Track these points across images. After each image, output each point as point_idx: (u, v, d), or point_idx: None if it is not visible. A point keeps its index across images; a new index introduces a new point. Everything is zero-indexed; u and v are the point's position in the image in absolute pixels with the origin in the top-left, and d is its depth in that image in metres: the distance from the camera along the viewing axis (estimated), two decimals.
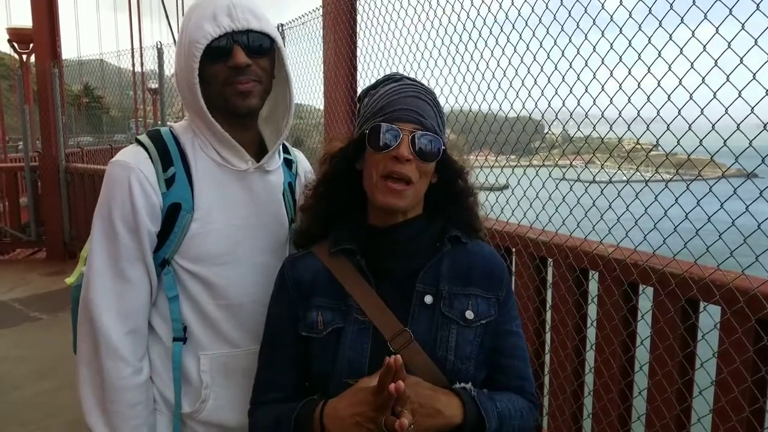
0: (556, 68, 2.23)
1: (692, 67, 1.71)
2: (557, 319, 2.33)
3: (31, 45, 12.77)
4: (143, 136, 1.33)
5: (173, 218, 1.27)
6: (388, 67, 3.43)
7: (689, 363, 1.89)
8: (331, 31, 4.06)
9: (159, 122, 6.96)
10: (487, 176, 2.77)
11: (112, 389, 1.25)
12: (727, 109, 1.62)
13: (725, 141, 1.68)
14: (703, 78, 1.67)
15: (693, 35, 1.74)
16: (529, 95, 2.40)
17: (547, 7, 2.25)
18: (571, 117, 2.31)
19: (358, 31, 3.89)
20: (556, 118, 2.34)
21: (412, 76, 1.23)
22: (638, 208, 2.03)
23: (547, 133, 2.79)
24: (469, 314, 1.15)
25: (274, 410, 1.16)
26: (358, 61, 3.96)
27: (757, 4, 1.56)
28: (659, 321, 1.94)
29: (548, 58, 2.27)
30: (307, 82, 4.59)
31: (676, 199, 1.91)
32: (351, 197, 1.20)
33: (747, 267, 1.73)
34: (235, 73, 1.24)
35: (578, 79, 2.15)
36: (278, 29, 3.81)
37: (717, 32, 1.64)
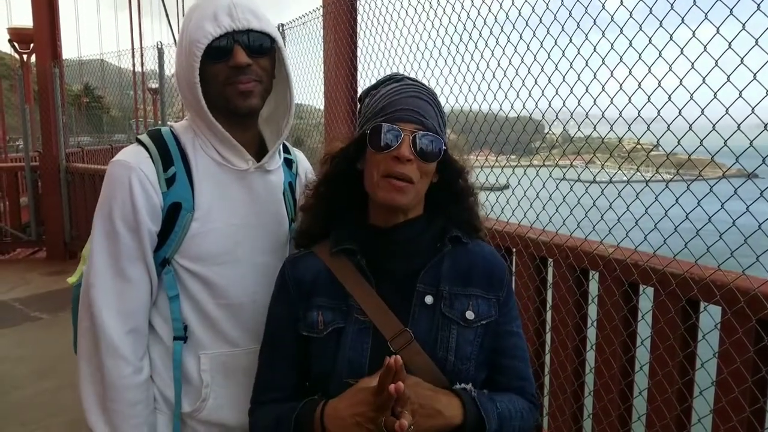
0: (556, 68, 2.23)
1: (693, 67, 1.70)
2: (557, 320, 2.33)
3: (32, 45, 12.80)
4: (144, 135, 1.33)
5: (174, 218, 1.27)
6: (388, 67, 3.43)
7: (690, 363, 1.89)
8: (331, 31, 4.05)
9: (159, 122, 6.96)
10: (487, 176, 2.76)
11: (113, 388, 1.25)
12: (727, 109, 1.62)
13: (726, 141, 1.67)
14: (704, 78, 1.67)
15: (693, 35, 1.73)
16: (530, 95, 2.40)
17: (547, 7, 2.25)
18: (571, 117, 2.31)
19: (358, 31, 3.89)
20: (557, 118, 2.34)
21: (412, 76, 1.23)
22: (639, 208, 2.03)
23: (547, 133, 2.79)
24: (470, 314, 1.15)
25: (275, 410, 1.16)
26: (358, 61, 3.96)
27: (758, 4, 1.56)
28: (660, 321, 1.93)
29: (549, 58, 2.27)
30: (307, 82, 4.59)
31: (677, 199, 1.91)
32: (352, 197, 1.20)
33: (747, 267, 1.73)
34: (235, 73, 1.25)
35: (579, 79, 2.15)
36: (278, 29, 3.80)
37: (718, 32, 1.64)
